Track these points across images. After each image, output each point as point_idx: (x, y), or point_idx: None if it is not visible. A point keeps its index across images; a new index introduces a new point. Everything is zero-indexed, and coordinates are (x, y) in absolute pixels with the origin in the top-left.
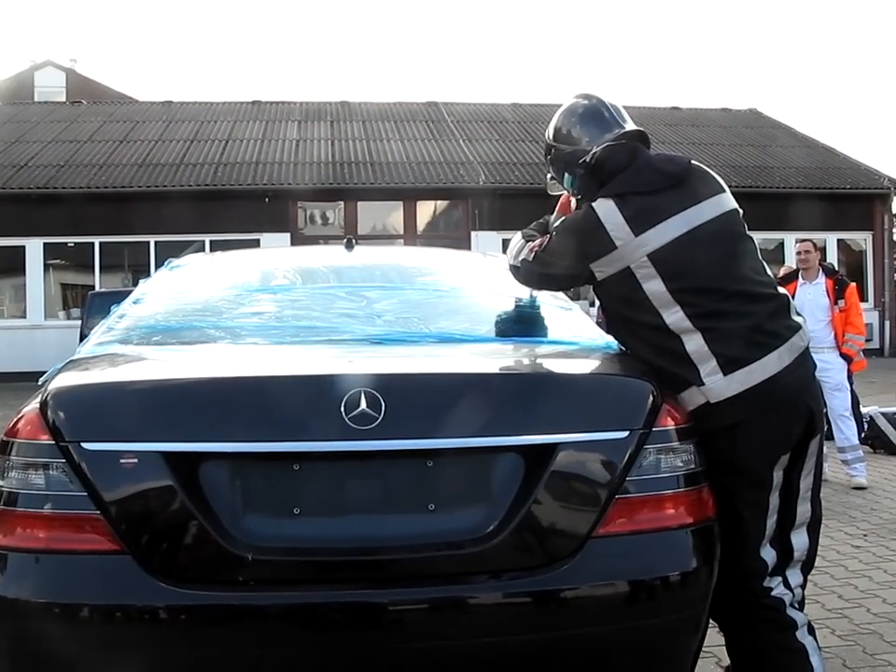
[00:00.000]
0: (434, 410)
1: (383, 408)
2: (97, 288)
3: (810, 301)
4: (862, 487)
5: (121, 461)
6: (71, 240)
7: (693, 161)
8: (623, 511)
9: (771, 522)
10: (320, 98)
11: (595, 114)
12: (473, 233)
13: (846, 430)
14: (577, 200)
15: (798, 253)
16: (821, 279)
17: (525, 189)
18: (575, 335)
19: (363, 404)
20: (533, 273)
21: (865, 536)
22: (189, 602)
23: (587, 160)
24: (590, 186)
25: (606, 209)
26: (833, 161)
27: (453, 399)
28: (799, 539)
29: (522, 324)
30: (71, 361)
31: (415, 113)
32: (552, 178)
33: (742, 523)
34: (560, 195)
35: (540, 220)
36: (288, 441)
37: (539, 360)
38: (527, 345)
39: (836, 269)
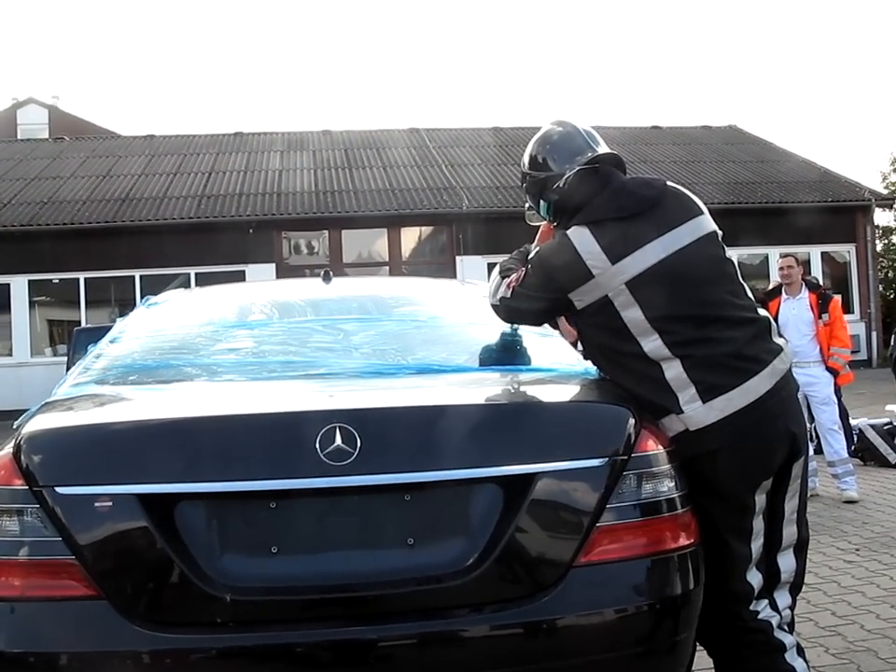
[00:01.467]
0: (411, 443)
1: (358, 443)
2: (83, 324)
3: (794, 315)
4: (853, 501)
5: (96, 504)
6: (56, 276)
7: (668, 183)
8: (605, 538)
9: (756, 545)
10: (302, 128)
11: (567, 139)
12: (458, 258)
13: (835, 444)
14: (554, 226)
15: (781, 268)
16: (805, 294)
17: (509, 213)
18: (554, 362)
19: (338, 440)
20: (513, 310)
21: (857, 550)
22: (167, 646)
23: (560, 184)
24: (564, 211)
25: (581, 237)
26: (814, 175)
27: (429, 432)
28: (786, 561)
29: (500, 352)
30: (46, 403)
31: (397, 140)
32: (529, 207)
33: (727, 547)
34: (540, 225)
35: (521, 249)
36: (264, 480)
37: (516, 389)
38: (505, 374)
39: (819, 283)
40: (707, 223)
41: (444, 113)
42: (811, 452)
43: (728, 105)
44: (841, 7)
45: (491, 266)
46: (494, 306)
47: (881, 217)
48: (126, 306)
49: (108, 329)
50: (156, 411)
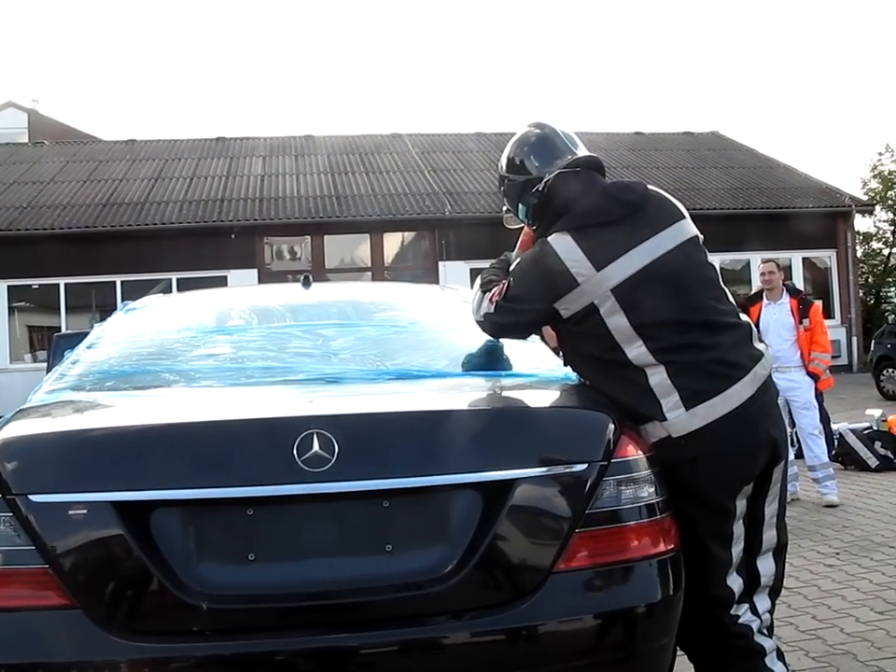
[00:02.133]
0: (389, 449)
1: (336, 449)
2: (63, 330)
3: (775, 321)
4: (834, 505)
5: (70, 512)
6: (35, 282)
7: (650, 187)
8: (585, 544)
9: (737, 550)
10: (284, 133)
11: (546, 142)
12: (441, 264)
13: (815, 449)
14: (533, 231)
15: (762, 274)
16: (785, 299)
17: (491, 218)
18: (534, 367)
19: (315, 446)
20: (498, 325)
21: (838, 554)
22: (143, 655)
23: (539, 188)
24: (544, 215)
25: (564, 245)
26: (796, 181)
27: (408, 438)
28: (765, 565)
29: (480, 357)
30: (20, 410)
31: (380, 145)
32: (507, 211)
33: (707, 552)
34: (518, 228)
35: (501, 258)
36: (241, 486)
37: (495, 395)
38: (485, 379)
39: (800, 289)
40: (689, 227)
41: (427, 118)
42: (791, 456)
43: (710, 111)
44: (822, 16)
45: (474, 272)
46: (479, 322)
47: (861, 223)
48: (107, 312)
49: (88, 334)
50: (132, 417)
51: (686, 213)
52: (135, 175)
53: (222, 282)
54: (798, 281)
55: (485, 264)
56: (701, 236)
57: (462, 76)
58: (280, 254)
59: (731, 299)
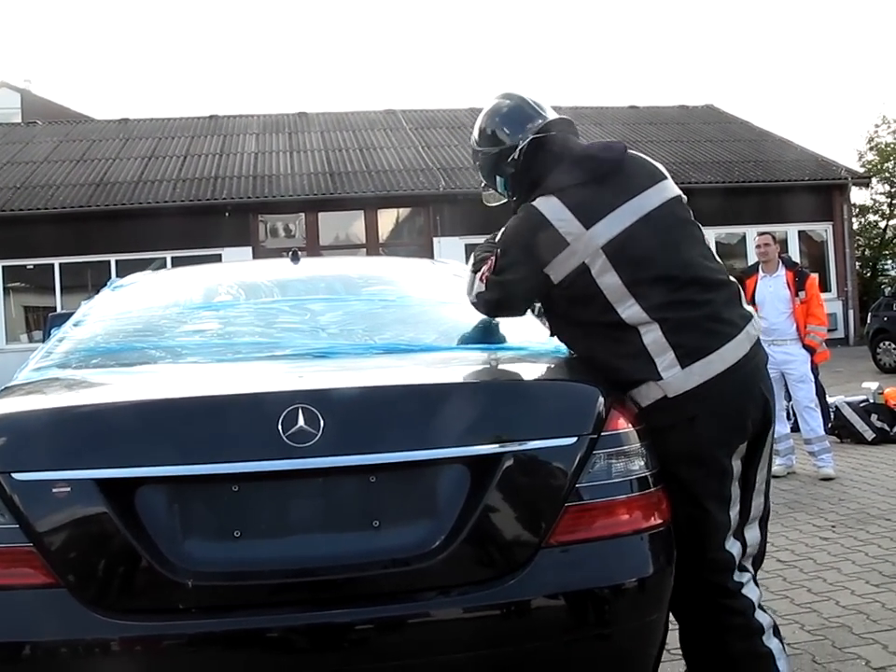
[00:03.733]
0: (375, 423)
1: (321, 424)
2: (58, 310)
3: (771, 293)
4: (830, 478)
5: (54, 490)
6: (30, 262)
7: (629, 149)
8: (575, 518)
9: (734, 513)
10: (278, 110)
11: (516, 110)
12: (435, 240)
13: (811, 422)
14: (513, 202)
15: (758, 246)
16: (781, 272)
17: None
18: (523, 340)
19: (301, 421)
20: (492, 301)
21: (833, 527)
22: (128, 633)
23: (515, 156)
24: (522, 184)
25: (549, 206)
26: (792, 154)
27: (394, 412)
28: (752, 534)
29: (469, 331)
30: (5, 388)
31: (373, 121)
32: (485, 187)
33: (707, 515)
34: (501, 205)
35: (489, 238)
36: (227, 462)
37: (483, 368)
38: (474, 353)
39: (796, 261)
40: (672, 187)
41: (421, 94)
42: (787, 430)
43: (705, 84)
44: None
45: (469, 247)
46: (473, 304)
47: (857, 196)
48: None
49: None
50: (116, 394)
51: (668, 174)
52: (129, 155)
53: (217, 260)
54: (794, 254)
55: (480, 240)
56: (684, 197)
57: (455, 51)
58: (275, 231)
59: (717, 258)
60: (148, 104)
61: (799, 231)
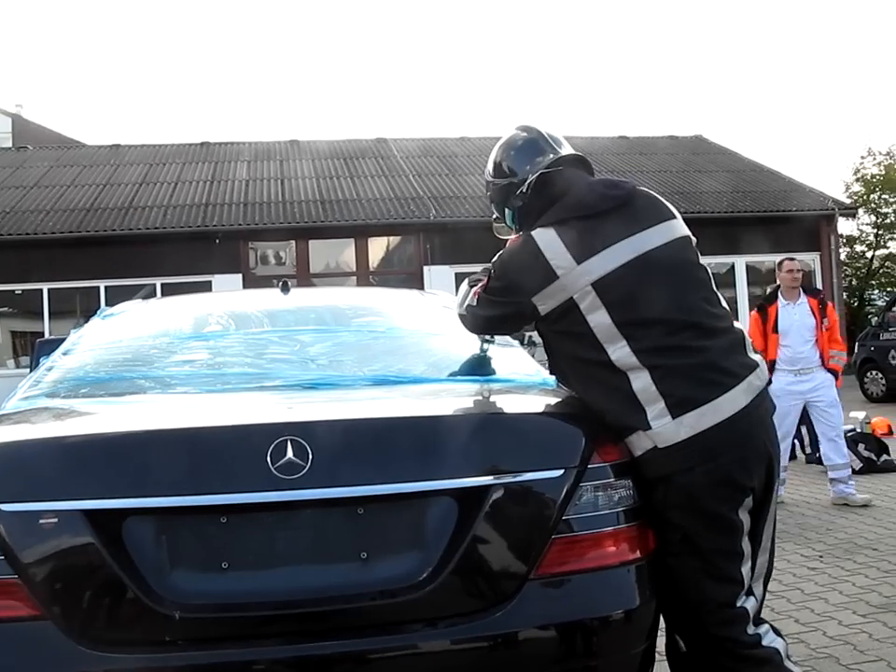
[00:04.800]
0: (363, 455)
1: (310, 456)
2: (47, 335)
3: (797, 321)
4: (869, 504)
5: (41, 521)
6: (19, 287)
7: (639, 186)
8: (562, 550)
9: (746, 569)
10: (269, 138)
11: (530, 143)
12: (426, 268)
13: (843, 448)
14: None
15: (790, 271)
16: (804, 299)
17: (476, 223)
18: (512, 372)
19: (289, 453)
20: (478, 318)
21: (821, 557)
22: (114, 666)
23: (523, 190)
24: (528, 216)
25: (545, 237)
26: (779, 185)
27: (382, 444)
28: (757, 591)
29: (458, 363)
30: None
31: (364, 150)
32: (496, 219)
33: (715, 569)
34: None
35: (493, 260)
36: (215, 494)
37: (471, 400)
38: (462, 385)
39: (818, 288)
40: (680, 227)
41: (412, 123)
42: (786, 462)
43: (694, 115)
44: (805, 21)
45: (459, 276)
46: (461, 316)
47: (844, 227)
48: (91, 317)
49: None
50: (104, 424)
51: (677, 214)
52: (120, 180)
53: (207, 287)
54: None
55: (470, 268)
56: (694, 238)
57: (447, 80)
58: (265, 259)
59: (724, 304)
60: (140, 130)
61: None
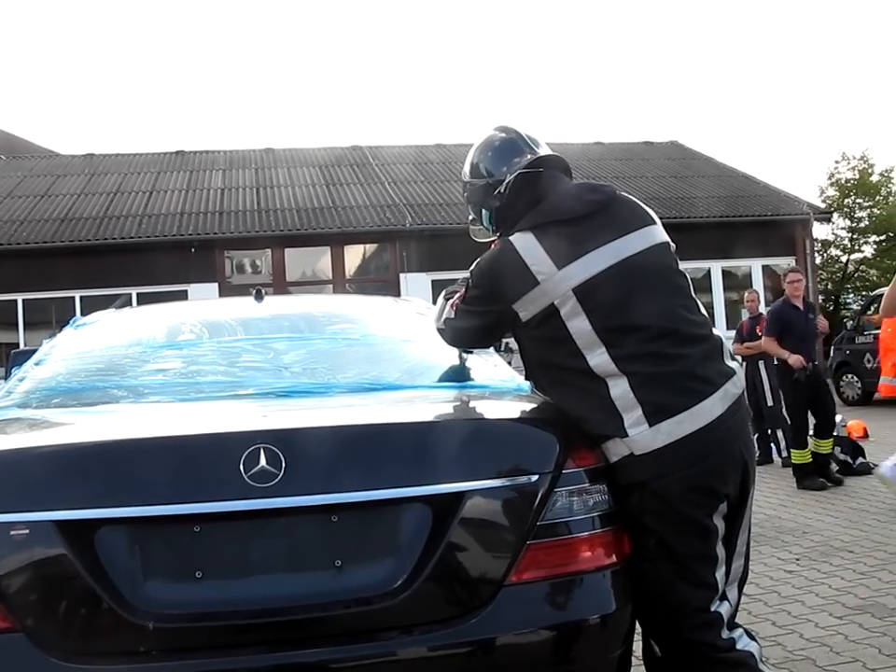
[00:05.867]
0: (337, 463)
1: (283, 464)
2: (21, 346)
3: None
4: None
5: (12, 533)
6: None
7: (619, 191)
8: (536, 556)
9: (720, 574)
10: (244, 146)
11: (508, 144)
12: (402, 276)
13: None
14: (498, 238)
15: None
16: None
17: (453, 230)
18: (486, 378)
19: (262, 461)
20: (457, 330)
21: (798, 560)
22: None
23: (501, 190)
24: (506, 218)
25: (524, 242)
26: (755, 190)
27: (356, 451)
28: (731, 594)
29: (432, 369)
30: None
31: (340, 158)
32: (472, 220)
33: (690, 574)
34: (486, 241)
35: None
36: (188, 503)
37: (445, 407)
38: (436, 391)
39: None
40: (659, 232)
41: (387, 130)
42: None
43: (670, 121)
44: (780, 27)
45: (436, 283)
46: (439, 330)
47: (819, 231)
48: (63, 327)
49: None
50: (77, 434)
51: (657, 219)
52: (94, 190)
53: (183, 296)
54: (759, 288)
55: (447, 275)
56: (673, 245)
57: (422, 88)
58: (241, 267)
59: (703, 311)
60: (114, 138)
61: (763, 266)
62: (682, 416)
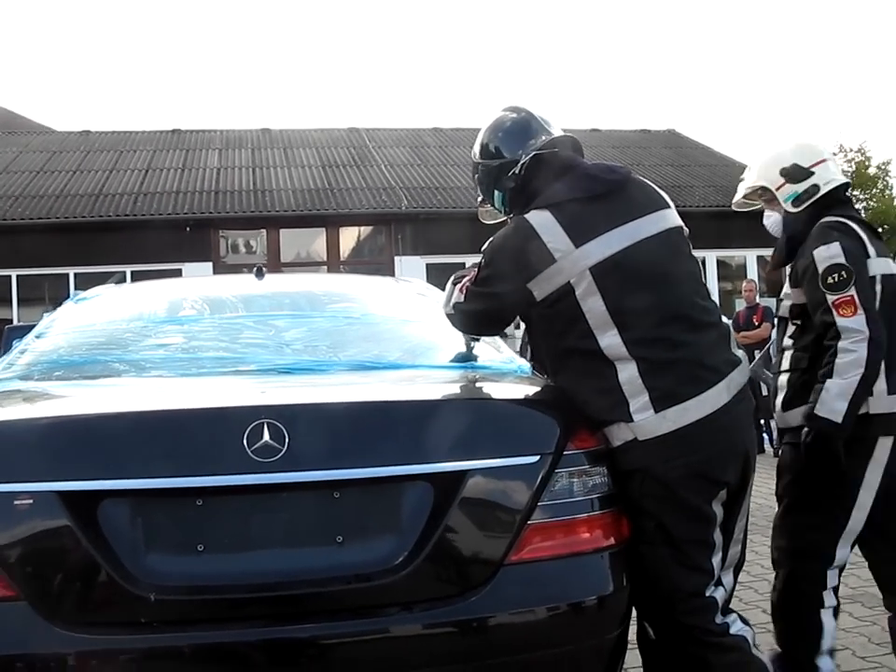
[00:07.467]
0: (340, 439)
1: (286, 439)
2: (15, 322)
3: None
4: None
5: (15, 503)
6: None
7: (634, 173)
8: (536, 536)
9: (716, 560)
10: (241, 126)
11: (521, 124)
12: (397, 258)
13: None
14: (509, 219)
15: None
16: None
17: (448, 214)
18: (487, 360)
19: (266, 436)
20: (469, 313)
21: None
22: (89, 647)
23: (516, 171)
24: (520, 199)
25: (541, 219)
26: None
27: (359, 428)
28: (726, 580)
29: (433, 350)
30: None
31: (337, 139)
32: (482, 202)
33: (688, 560)
34: (496, 224)
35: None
36: (191, 476)
37: (447, 387)
38: (437, 371)
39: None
40: (673, 217)
41: (384, 113)
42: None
43: (667, 109)
44: (779, 17)
45: (430, 267)
46: (448, 316)
47: None
48: (60, 304)
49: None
50: (79, 406)
51: (671, 203)
52: (90, 167)
53: (177, 275)
54: (753, 278)
55: (441, 259)
56: (686, 229)
57: (420, 71)
58: (235, 247)
59: (713, 297)
60: (110, 116)
61: (758, 256)
62: (689, 404)
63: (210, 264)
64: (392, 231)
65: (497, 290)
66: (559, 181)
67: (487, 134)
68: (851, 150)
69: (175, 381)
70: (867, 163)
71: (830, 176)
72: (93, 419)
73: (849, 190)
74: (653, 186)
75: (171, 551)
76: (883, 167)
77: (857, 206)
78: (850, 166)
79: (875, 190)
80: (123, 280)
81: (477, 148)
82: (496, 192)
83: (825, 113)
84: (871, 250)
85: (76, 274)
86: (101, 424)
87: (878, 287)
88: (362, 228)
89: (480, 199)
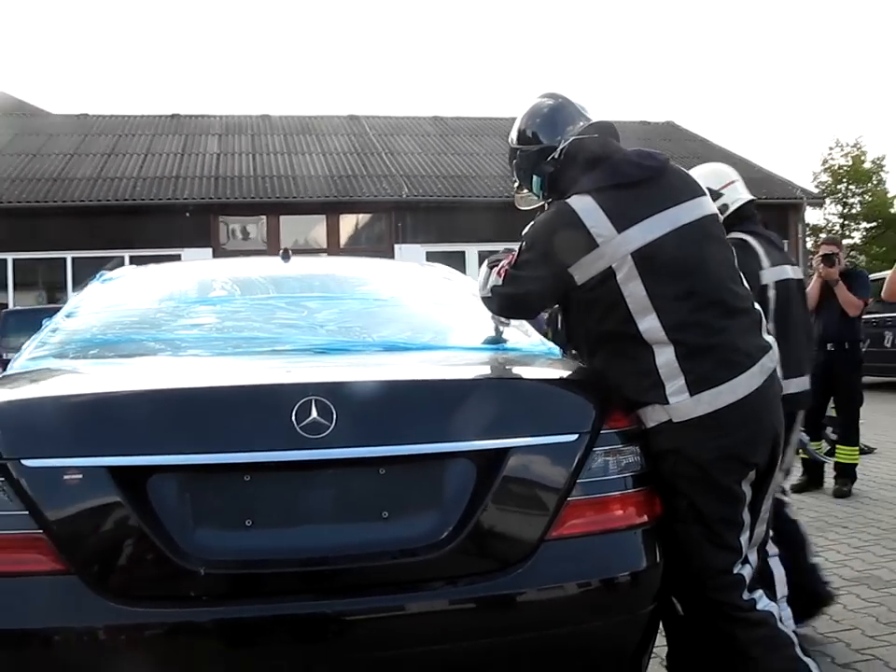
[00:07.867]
0: (385, 417)
1: (334, 416)
2: (11, 306)
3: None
4: None
5: (65, 477)
6: None
7: (671, 161)
8: (575, 513)
9: (744, 538)
10: (241, 112)
11: (559, 110)
12: (396, 246)
13: None
14: (547, 204)
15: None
16: None
17: (448, 202)
18: (517, 342)
19: (314, 413)
20: (507, 296)
21: None
22: (140, 620)
23: (556, 156)
24: (559, 184)
25: (583, 204)
26: (749, 173)
27: (403, 407)
28: (752, 558)
29: (463, 332)
30: (5, 377)
31: (337, 126)
32: (518, 188)
33: (717, 537)
34: (531, 209)
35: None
36: (239, 452)
37: (485, 367)
38: (472, 353)
39: None
40: (709, 204)
41: (385, 101)
42: None
43: (666, 101)
44: (778, 10)
45: (430, 255)
46: (484, 299)
47: (811, 216)
48: (55, 289)
49: (40, 311)
50: (126, 383)
51: (706, 191)
52: (87, 151)
53: (176, 260)
54: None
55: (442, 248)
56: (720, 216)
57: (420, 59)
58: (235, 233)
59: (745, 283)
60: (109, 100)
61: None
62: (723, 388)
63: (210, 250)
64: (392, 218)
65: (538, 274)
66: (599, 166)
67: (525, 120)
68: (847, 145)
69: (213, 360)
70: (863, 158)
71: (737, 196)
72: (142, 395)
73: (753, 204)
74: (689, 173)
75: (219, 526)
76: (878, 162)
77: (852, 200)
78: (847, 160)
79: (869, 185)
80: (119, 266)
81: (514, 134)
82: (534, 177)
83: (823, 107)
84: (765, 262)
85: (73, 259)
86: (150, 400)
87: (772, 293)
88: (362, 215)
89: (516, 184)
